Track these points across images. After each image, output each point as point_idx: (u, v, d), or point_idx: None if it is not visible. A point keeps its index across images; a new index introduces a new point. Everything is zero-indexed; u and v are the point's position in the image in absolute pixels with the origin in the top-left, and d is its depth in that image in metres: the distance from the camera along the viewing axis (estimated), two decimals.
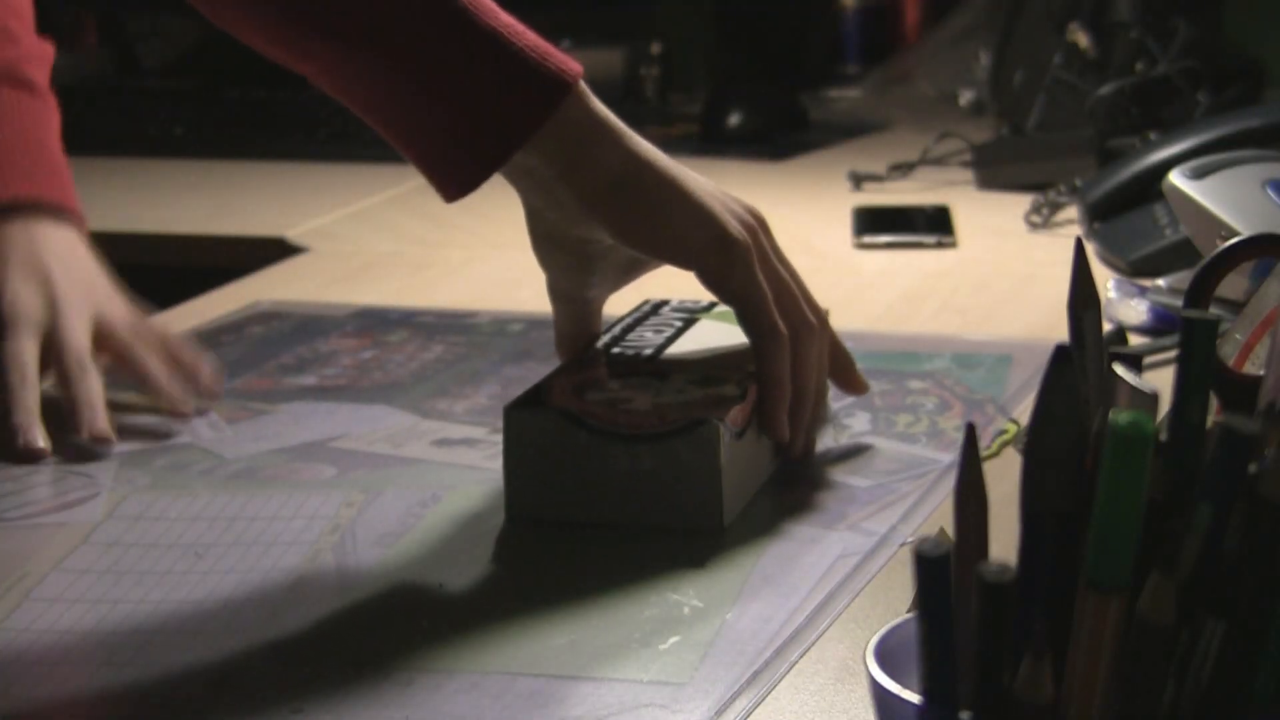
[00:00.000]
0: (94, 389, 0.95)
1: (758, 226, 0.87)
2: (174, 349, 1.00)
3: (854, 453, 0.90)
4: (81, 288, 1.01)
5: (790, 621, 0.71)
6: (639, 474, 0.80)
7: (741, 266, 0.84)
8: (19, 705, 0.67)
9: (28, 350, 0.96)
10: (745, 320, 0.85)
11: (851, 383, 0.93)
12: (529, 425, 0.82)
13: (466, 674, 0.67)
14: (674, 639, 0.70)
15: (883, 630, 0.53)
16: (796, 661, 0.68)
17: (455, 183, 0.82)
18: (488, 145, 0.81)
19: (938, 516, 0.82)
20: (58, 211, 1.04)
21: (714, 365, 0.88)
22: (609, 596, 0.74)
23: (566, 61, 0.82)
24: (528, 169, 0.83)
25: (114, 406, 0.96)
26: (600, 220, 0.84)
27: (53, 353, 0.97)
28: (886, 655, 0.51)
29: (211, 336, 1.15)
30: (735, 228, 0.84)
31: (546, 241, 0.88)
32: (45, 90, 1.10)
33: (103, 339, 0.99)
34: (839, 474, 0.88)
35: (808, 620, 0.71)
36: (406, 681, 0.67)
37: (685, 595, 0.74)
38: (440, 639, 0.71)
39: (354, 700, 0.66)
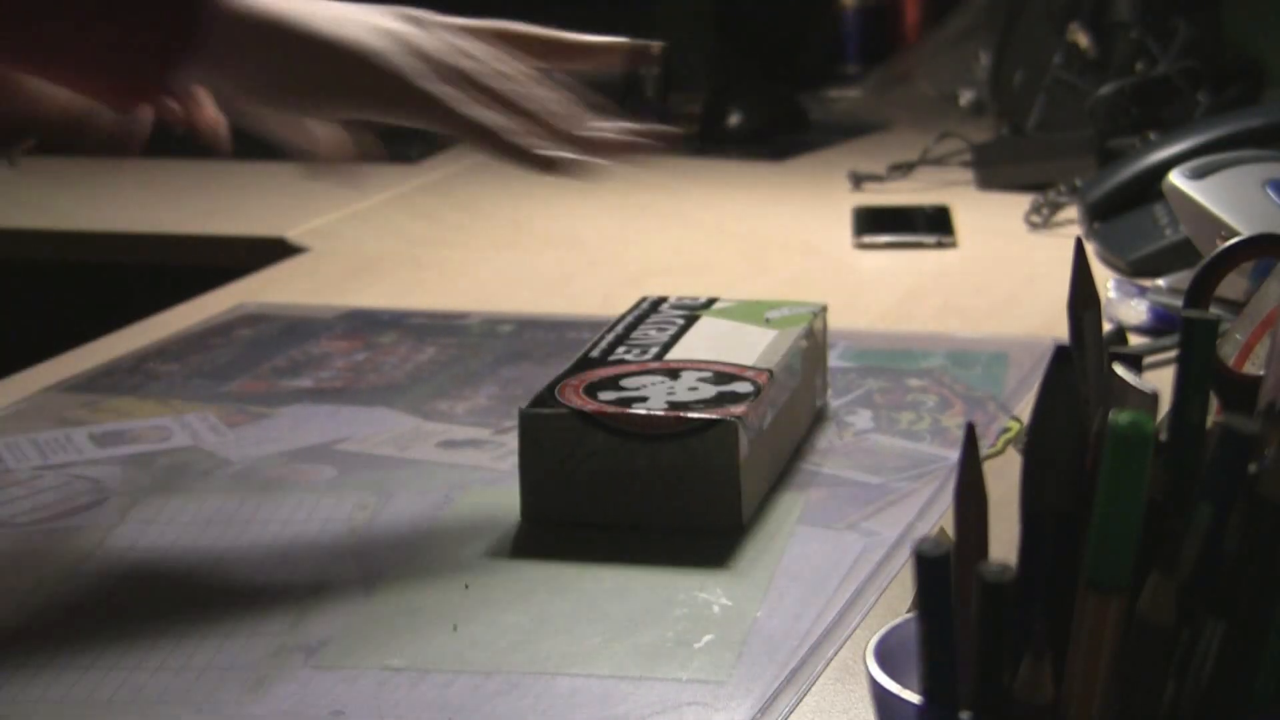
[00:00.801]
0: None
1: (419, 22, 0.87)
2: None
3: (861, 450, 0.90)
4: None
5: (821, 619, 0.71)
6: (657, 474, 0.80)
7: (422, 94, 0.84)
8: (54, 711, 0.67)
9: None
10: (439, 127, 0.86)
11: (570, 52, 0.92)
12: (545, 427, 0.82)
13: (504, 675, 0.67)
14: (708, 637, 0.70)
15: (883, 630, 0.53)
16: (832, 658, 0.68)
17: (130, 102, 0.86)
18: (144, 75, 0.83)
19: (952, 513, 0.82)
20: None
21: (723, 362, 0.88)
22: (636, 596, 0.74)
23: None
24: (195, 79, 0.85)
25: (114, 411, 0.96)
26: (276, 107, 0.87)
27: None
28: (886, 655, 0.51)
29: (199, 340, 1.15)
30: (398, 61, 0.85)
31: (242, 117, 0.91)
32: None
33: None
34: (849, 471, 0.88)
35: (838, 617, 0.72)
36: (445, 683, 0.67)
37: (713, 594, 0.74)
38: (472, 640, 0.70)
39: (394, 702, 0.65)
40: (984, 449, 0.73)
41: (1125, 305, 1.11)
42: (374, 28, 0.86)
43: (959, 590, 0.44)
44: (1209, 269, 0.68)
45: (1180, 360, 0.48)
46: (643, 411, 0.81)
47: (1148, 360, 0.89)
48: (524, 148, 0.84)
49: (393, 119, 0.86)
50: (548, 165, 0.84)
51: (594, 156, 0.85)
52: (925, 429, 0.93)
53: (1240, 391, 0.57)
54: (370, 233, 1.49)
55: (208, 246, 1.50)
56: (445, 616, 0.73)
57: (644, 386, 0.85)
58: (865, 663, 0.51)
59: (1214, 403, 0.50)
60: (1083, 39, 1.66)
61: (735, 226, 1.49)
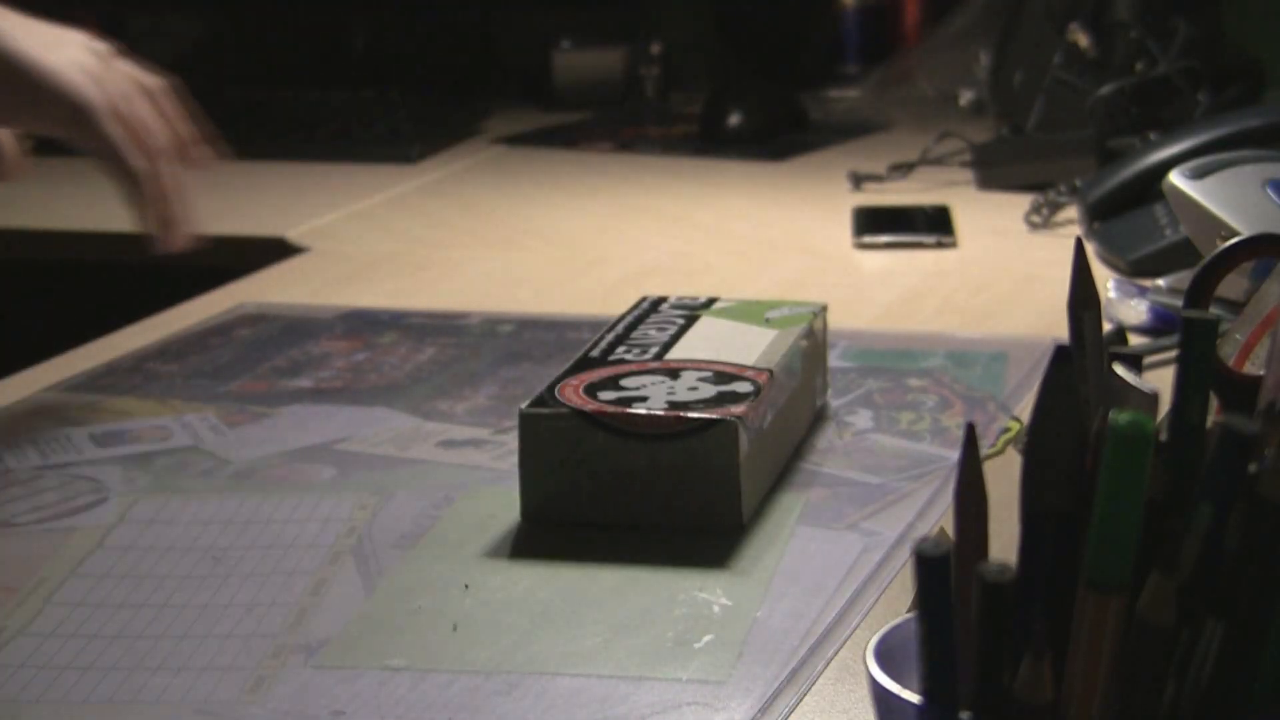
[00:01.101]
0: None
1: (106, 61, 1.00)
2: None
3: (861, 450, 0.90)
4: None
5: (821, 619, 0.71)
6: (657, 473, 0.80)
7: (98, 131, 0.98)
8: (54, 711, 0.66)
9: None
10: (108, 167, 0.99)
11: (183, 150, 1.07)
12: (545, 427, 0.82)
13: (504, 675, 0.67)
14: (708, 637, 0.70)
15: (883, 630, 0.53)
16: (832, 658, 0.68)
17: None
18: None
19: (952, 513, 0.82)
20: None
21: (723, 362, 0.88)
22: (636, 596, 0.74)
23: None
24: None
25: (114, 411, 0.96)
26: None
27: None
28: (886, 655, 0.51)
29: (199, 340, 1.15)
30: (89, 94, 0.98)
31: None
32: None
33: None
34: (849, 471, 0.88)
35: (838, 617, 0.72)
36: (445, 683, 0.67)
37: (713, 594, 0.74)
38: (472, 640, 0.70)
39: (395, 702, 0.65)
40: (984, 449, 0.73)
41: (1125, 305, 1.11)
42: (73, 60, 0.98)
43: (959, 590, 0.44)
44: (1209, 269, 0.68)
45: (1180, 360, 0.48)
46: (643, 411, 0.81)
47: (1148, 360, 0.89)
48: (150, 209, 1.01)
49: (67, 140, 0.99)
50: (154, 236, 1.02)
51: (168, 241, 1.03)
52: (925, 429, 0.93)
53: (1240, 391, 0.57)
54: (370, 233, 1.49)
55: (208, 247, 1.50)
56: (445, 616, 0.73)
57: (644, 386, 0.85)
58: (865, 663, 0.51)
59: (1214, 403, 0.50)
60: (1083, 39, 1.66)
61: (735, 226, 1.50)
